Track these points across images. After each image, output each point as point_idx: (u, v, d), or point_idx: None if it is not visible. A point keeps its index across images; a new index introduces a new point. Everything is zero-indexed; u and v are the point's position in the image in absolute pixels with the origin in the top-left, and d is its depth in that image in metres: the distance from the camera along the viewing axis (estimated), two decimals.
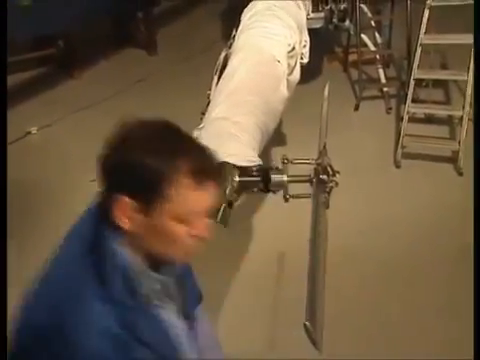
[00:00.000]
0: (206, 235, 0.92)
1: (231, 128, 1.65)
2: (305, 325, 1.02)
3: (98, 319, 0.86)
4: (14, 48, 4.34)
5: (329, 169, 1.52)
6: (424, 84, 3.91)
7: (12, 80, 4.25)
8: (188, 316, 1.03)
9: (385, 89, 4.21)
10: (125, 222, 0.88)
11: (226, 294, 2.59)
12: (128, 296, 0.89)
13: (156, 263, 0.95)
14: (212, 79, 3.64)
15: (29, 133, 3.97)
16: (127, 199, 0.86)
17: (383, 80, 4.24)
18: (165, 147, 0.87)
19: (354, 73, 4.55)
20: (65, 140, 3.92)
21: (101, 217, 0.91)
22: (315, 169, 1.52)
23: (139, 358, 0.89)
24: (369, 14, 4.23)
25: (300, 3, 2.93)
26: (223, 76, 2.13)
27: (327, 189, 1.46)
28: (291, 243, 2.86)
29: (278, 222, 2.95)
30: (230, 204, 1.43)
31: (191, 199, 0.87)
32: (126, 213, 0.87)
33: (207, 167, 0.88)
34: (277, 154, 3.18)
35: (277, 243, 2.89)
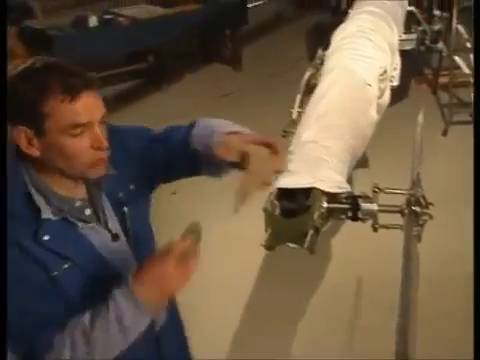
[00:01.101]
0: (101, 144, 1.01)
1: (320, 152, 1.64)
2: None
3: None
4: (110, 63, 4.63)
5: (422, 200, 1.46)
6: None
7: (108, 92, 4.55)
8: (116, 237, 1.12)
9: None
10: (31, 149, 1.00)
11: (302, 312, 2.59)
12: (32, 213, 1.00)
13: (78, 185, 1.07)
14: (295, 97, 3.65)
15: None
16: (23, 128, 0.98)
17: None
18: (36, 73, 0.99)
19: (443, 96, 4.37)
20: None
21: (17, 154, 1.03)
22: (407, 199, 1.47)
23: (59, 267, 1.01)
24: (465, 35, 4.04)
25: (393, 25, 2.87)
26: (312, 98, 2.12)
27: (420, 222, 1.41)
28: (370, 269, 2.79)
29: (357, 246, 2.89)
30: (317, 230, 1.42)
31: (69, 111, 0.97)
32: (28, 141, 0.99)
33: (74, 80, 0.98)
34: (359, 177, 3.14)
35: (355, 268, 2.83)
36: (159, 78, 5.18)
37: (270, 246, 1.36)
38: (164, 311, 1.21)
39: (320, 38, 3.55)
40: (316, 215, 1.38)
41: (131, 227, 1.15)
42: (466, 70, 4.10)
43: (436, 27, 3.78)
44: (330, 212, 1.46)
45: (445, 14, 4.01)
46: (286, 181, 1.45)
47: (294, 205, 1.39)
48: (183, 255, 0.97)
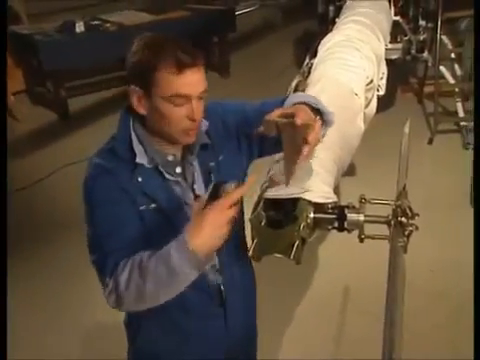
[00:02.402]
0: (196, 117, 1.16)
1: (308, 163, 1.63)
2: None
3: (96, 171, 1.19)
4: (102, 68, 4.62)
5: (408, 211, 1.46)
6: None
7: (99, 96, 4.53)
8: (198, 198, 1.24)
9: (463, 123, 4.05)
10: (139, 108, 1.18)
11: (289, 322, 2.58)
12: (131, 157, 1.18)
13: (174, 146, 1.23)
14: None
15: None
16: (137, 88, 1.16)
17: (461, 114, 4.08)
18: (157, 44, 1.15)
19: (429, 105, 4.42)
20: None
21: (127, 109, 1.22)
22: (393, 210, 1.46)
23: (146, 205, 1.17)
24: (450, 46, 4.11)
25: (379, 34, 2.89)
26: None
27: (406, 233, 1.41)
28: (358, 279, 2.80)
29: (345, 255, 2.89)
30: (303, 241, 1.41)
31: (174, 83, 1.13)
32: (138, 100, 1.17)
33: (184, 57, 1.12)
34: (346, 185, 3.15)
35: (343, 277, 2.83)
36: None
37: (256, 257, 1.34)
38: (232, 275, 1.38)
39: (308, 46, 3.56)
40: (302, 226, 1.37)
41: None
42: (451, 80, 4.16)
43: (421, 37, 3.83)
44: (316, 222, 1.44)
45: (430, 24, 4.07)
46: (273, 192, 1.44)
47: (280, 216, 1.37)
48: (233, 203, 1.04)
